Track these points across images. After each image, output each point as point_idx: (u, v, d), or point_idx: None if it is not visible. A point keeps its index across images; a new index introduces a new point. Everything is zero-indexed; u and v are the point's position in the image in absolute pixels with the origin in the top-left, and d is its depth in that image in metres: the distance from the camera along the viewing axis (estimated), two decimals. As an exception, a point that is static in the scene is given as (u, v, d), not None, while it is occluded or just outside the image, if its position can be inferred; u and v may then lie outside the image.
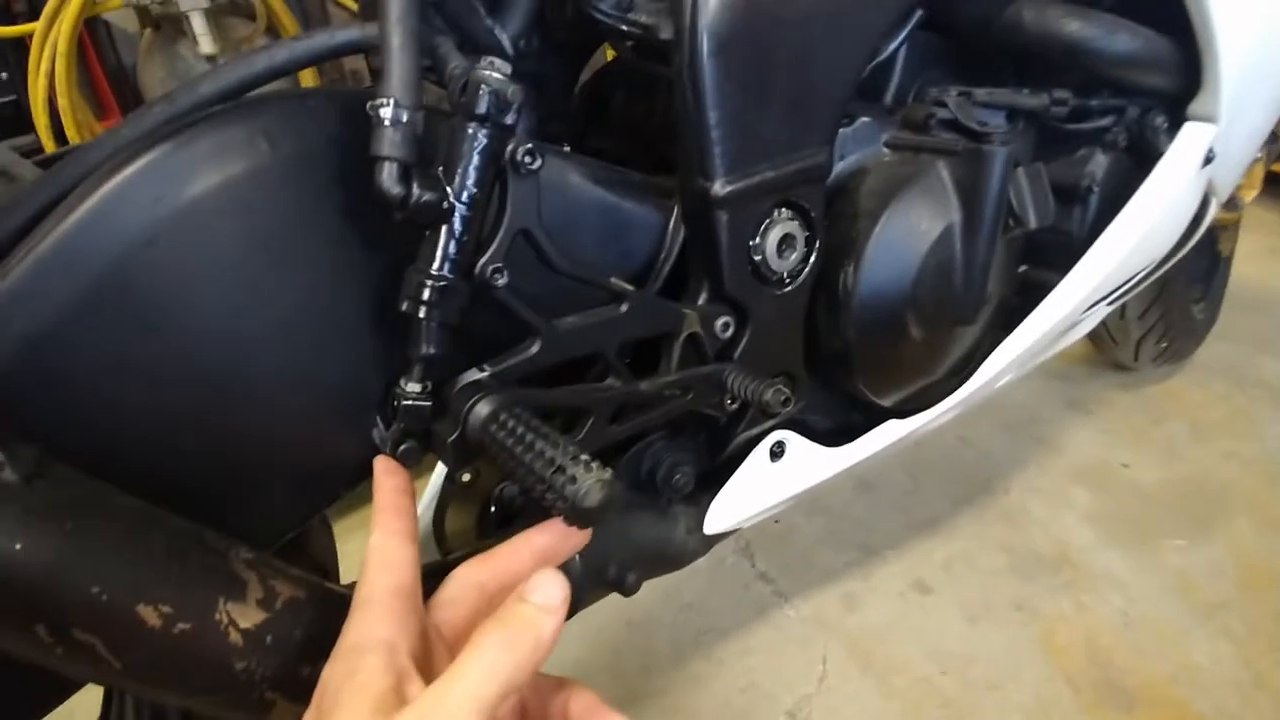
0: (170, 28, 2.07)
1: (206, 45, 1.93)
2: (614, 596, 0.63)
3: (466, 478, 0.60)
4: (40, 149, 2.16)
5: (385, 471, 0.45)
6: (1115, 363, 1.42)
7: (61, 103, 2.10)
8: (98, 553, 0.34)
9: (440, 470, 0.63)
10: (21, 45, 2.13)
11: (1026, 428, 1.34)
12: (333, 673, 0.34)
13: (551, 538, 0.43)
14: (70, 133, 2.12)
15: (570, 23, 0.68)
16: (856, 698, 0.95)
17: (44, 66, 2.09)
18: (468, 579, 0.42)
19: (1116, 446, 1.30)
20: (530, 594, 0.35)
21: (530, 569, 0.40)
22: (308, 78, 2.16)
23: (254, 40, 2.08)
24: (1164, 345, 1.32)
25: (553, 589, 0.35)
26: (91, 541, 0.34)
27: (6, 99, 2.45)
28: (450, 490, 0.60)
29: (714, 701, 0.97)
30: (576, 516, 0.38)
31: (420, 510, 0.60)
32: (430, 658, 0.37)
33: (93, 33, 2.29)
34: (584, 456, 0.38)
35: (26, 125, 2.18)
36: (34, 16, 2.10)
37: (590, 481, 0.37)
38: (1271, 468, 1.23)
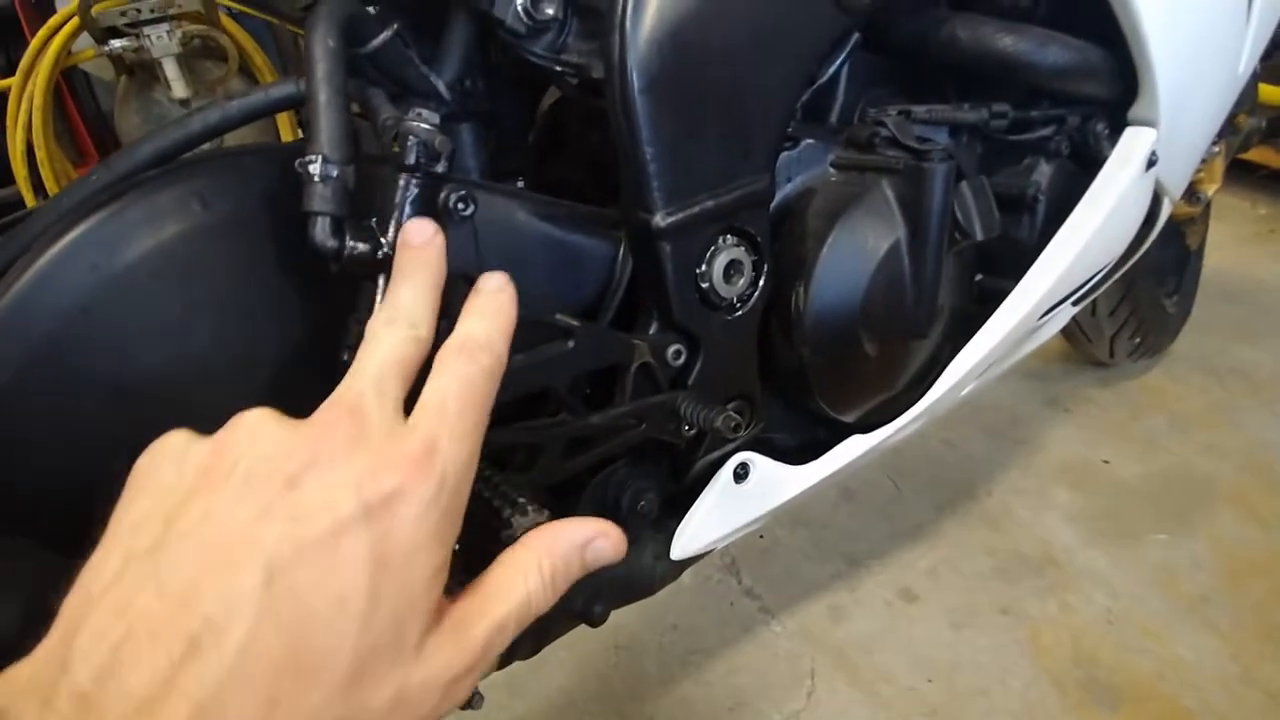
0: (144, 74, 2.09)
1: (180, 89, 1.96)
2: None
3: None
4: (21, 201, 2.17)
5: None
6: (1092, 360, 1.43)
7: (39, 154, 2.12)
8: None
9: None
10: (2, 100, 2.14)
11: (1006, 429, 1.35)
12: None
13: None
14: (49, 183, 2.14)
15: (515, 62, 0.70)
16: (844, 711, 0.95)
17: (21, 119, 2.10)
18: None
19: (1096, 443, 1.30)
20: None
21: None
22: (285, 129, 2.17)
23: (227, 82, 2.10)
24: (1138, 340, 1.33)
25: None
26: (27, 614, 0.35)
27: (-12, 153, 2.44)
28: None
29: (703, 722, 0.97)
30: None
31: None
32: None
33: (71, 83, 2.31)
34: (520, 499, 0.39)
35: (8, 178, 2.20)
36: (12, 71, 2.12)
37: (527, 526, 0.38)
38: (1251, 458, 1.24)
